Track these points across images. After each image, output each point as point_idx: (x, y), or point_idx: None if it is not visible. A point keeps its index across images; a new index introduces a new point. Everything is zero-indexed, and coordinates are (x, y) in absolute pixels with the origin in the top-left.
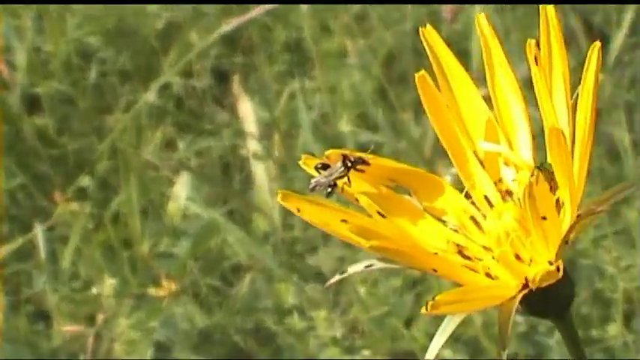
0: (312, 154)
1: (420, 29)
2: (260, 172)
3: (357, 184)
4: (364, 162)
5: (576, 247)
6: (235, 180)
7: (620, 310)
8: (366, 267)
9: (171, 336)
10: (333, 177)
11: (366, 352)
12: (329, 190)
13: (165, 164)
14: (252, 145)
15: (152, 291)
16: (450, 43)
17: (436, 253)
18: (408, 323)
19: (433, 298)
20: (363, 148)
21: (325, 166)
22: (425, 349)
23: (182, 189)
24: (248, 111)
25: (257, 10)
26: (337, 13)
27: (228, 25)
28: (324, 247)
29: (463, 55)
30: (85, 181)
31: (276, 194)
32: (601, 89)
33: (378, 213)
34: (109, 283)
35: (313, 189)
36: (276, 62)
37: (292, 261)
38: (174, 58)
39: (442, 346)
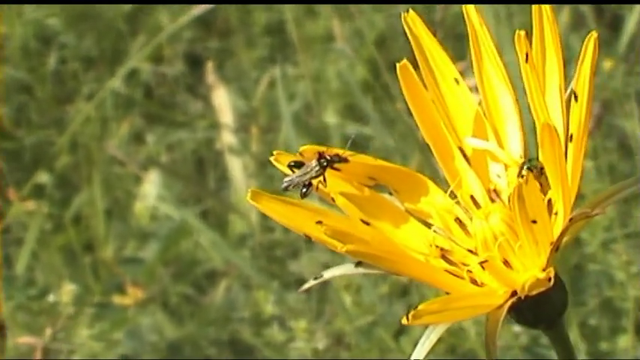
0: (293, 150)
1: (403, 14)
2: (237, 168)
3: (334, 183)
4: (342, 160)
5: (584, 251)
6: (210, 177)
7: (631, 320)
8: (357, 268)
9: (138, 349)
10: (308, 176)
11: None
12: (304, 190)
13: (133, 160)
14: (228, 139)
15: (117, 299)
16: (444, 27)
17: (418, 259)
18: (398, 334)
19: (415, 307)
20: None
21: (299, 164)
22: None
23: (151, 187)
24: (224, 101)
25: None
26: None
27: (203, 6)
28: (307, 252)
29: (459, 39)
30: (43, 177)
31: None
32: (611, 78)
33: (362, 221)
34: (69, 290)
35: (286, 189)
36: (255, 47)
37: (272, 267)
38: (143, 42)
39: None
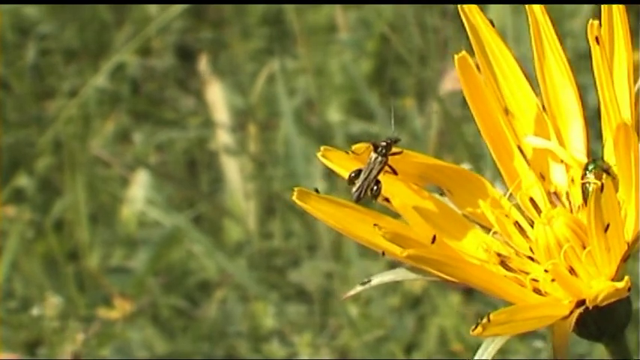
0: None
1: (459, 6)
2: (232, 169)
3: (385, 183)
4: (396, 152)
5: None
6: (203, 179)
7: None
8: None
9: None
10: (375, 172)
11: None
12: (374, 187)
13: (119, 161)
14: (223, 138)
15: (103, 312)
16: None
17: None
18: (409, 349)
19: (482, 318)
20: (355, 140)
21: (359, 172)
22: None
23: (139, 190)
24: (218, 96)
25: None
26: None
27: None
28: (308, 261)
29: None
30: (23, 180)
31: (252, 196)
32: None
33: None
34: (52, 303)
35: (359, 198)
36: (252, 38)
37: (271, 276)
38: (130, 32)
39: None
